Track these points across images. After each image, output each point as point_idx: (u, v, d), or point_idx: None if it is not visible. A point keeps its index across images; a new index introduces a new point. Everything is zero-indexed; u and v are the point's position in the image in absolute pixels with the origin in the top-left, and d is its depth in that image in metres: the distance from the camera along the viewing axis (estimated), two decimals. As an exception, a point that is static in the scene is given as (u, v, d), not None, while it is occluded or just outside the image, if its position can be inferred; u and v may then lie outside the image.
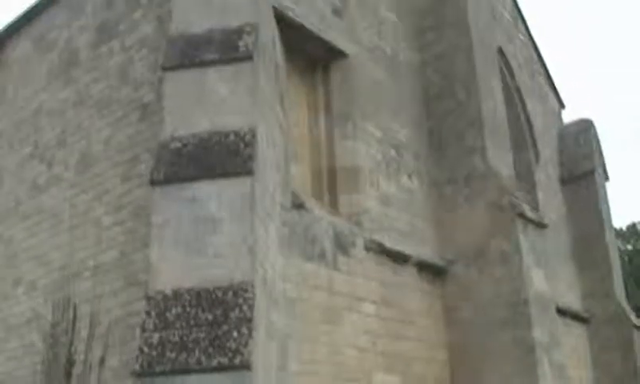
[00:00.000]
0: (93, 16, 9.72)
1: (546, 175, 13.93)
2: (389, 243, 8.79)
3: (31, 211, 9.82)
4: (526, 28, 14.93)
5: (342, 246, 8.15)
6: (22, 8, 11.09)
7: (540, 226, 9.98)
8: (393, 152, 9.54)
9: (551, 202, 13.73)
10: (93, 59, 9.47)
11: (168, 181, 6.71)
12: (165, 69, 7.19)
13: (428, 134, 10.29)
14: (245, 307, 6.14)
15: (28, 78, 10.71)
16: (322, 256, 7.82)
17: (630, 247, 30.34)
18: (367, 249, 8.49)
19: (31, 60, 10.78)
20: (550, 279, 9.81)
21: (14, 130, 10.70)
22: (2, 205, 10.49)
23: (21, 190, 10.16)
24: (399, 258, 8.96)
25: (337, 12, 9.18)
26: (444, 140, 10.16)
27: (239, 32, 7.04)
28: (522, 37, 14.70)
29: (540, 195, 13.18)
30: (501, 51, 12.63)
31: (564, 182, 14.58)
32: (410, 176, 9.79)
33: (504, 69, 12.82)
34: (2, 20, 11.13)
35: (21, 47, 11.12)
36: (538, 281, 9.40)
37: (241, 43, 6.97)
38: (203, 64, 7.00)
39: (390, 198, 9.26)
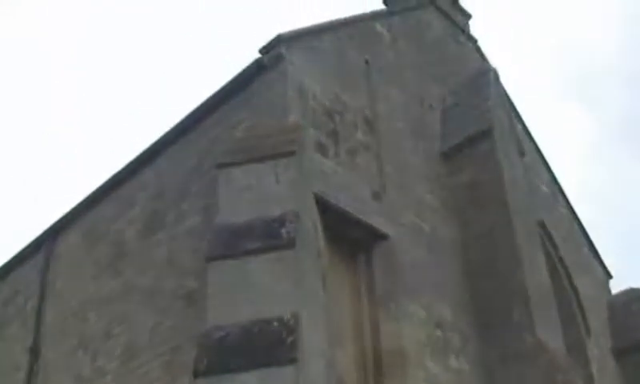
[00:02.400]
0: (142, 208, 10.10)
1: (599, 348, 13.46)
2: (439, 429, 8.46)
3: (74, 405, 9.77)
4: (565, 199, 14.99)
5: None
6: (73, 202, 11.58)
7: (598, 404, 9.55)
8: (438, 332, 9.37)
9: (606, 375, 13.18)
10: (140, 250, 9.74)
11: (211, 371, 6.66)
12: (209, 259, 7.34)
13: (473, 312, 10.10)
14: None
15: (77, 271, 11.01)
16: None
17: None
18: (417, 437, 8.17)
19: (80, 252, 11.13)
20: None
21: (61, 321, 10.86)
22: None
23: (66, 382, 10.15)
24: (451, 445, 8.58)
25: (376, 195, 9.38)
26: (490, 317, 9.96)
27: (281, 220, 7.22)
28: (562, 209, 14.74)
29: (594, 369, 12.67)
30: (542, 224, 12.63)
31: (618, 353, 14.02)
32: (457, 356, 9.54)
33: (546, 242, 12.76)
34: (53, 215, 11.87)
35: (71, 240, 11.52)
36: None
37: (283, 231, 7.13)
38: (246, 253, 7.14)
39: (438, 381, 8.98)
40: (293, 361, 6.45)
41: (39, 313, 11.45)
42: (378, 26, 11.16)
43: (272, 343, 6.55)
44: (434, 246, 10.12)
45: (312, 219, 7.75)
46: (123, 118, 45.06)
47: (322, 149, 8.81)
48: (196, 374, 6.69)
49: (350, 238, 8.99)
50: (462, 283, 10.25)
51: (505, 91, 12.95)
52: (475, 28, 14.28)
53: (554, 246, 13.22)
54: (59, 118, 44.95)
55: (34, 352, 11.08)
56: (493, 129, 10.97)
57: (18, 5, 44.31)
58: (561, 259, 13.30)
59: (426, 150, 10.99)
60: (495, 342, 9.82)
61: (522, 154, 12.21)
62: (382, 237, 9.14)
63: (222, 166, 8.03)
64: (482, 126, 11.03)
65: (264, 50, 9.08)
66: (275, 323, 6.68)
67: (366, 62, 10.45)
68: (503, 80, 12.51)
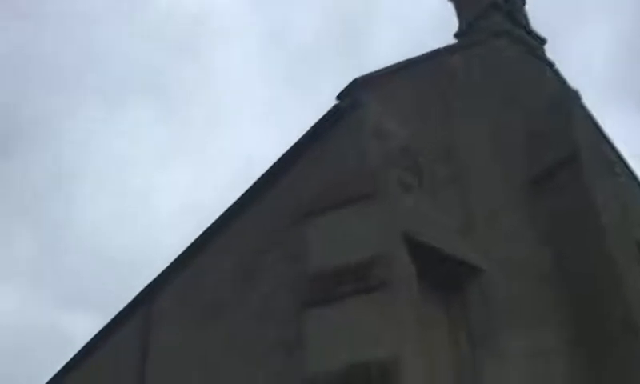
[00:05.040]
0: (234, 262, 10.27)
1: None
2: None
3: None
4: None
5: None
6: (170, 258, 11.90)
7: None
8: (542, 363, 9.07)
9: None
10: (235, 304, 9.88)
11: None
12: (304, 306, 7.42)
13: (578, 340, 9.72)
14: None
15: (175, 328, 11.24)
16: None
17: None
18: None
19: (177, 310, 11.37)
20: None
21: (163, 380, 11.06)
22: None
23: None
24: None
25: (464, 229, 9.26)
26: (596, 346, 9.58)
27: (372, 263, 7.25)
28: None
29: None
30: (640, 245, 12.17)
31: None
32: (565, 387, 9.21)
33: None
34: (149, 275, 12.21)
35: (167, 299, 11.79)
36: None
37: (374, 273, 7.14)
38: (340, 297, 7.18)
39: (546, 414, 8.69)
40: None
41: (141, 373, 11.69)
42: (452, 60, 11.15)
43: (373, 387, 6.53)
44: (529, 276, 9.85)
45: (402, 259, 7.71)
46: (210, 172, 46.23)
47: (406, 188, 8.79)
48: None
49: (442, 273, 8.87)
50: (562, 312, 9.91)
51: (589, 112, 12.66)
52: (551, 52, 14.11)
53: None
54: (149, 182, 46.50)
55: (140, 411, 11.32)
56: (580, 152, 10.70)
57: None
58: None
59: (511, 178, 10.80)
60: (604, 370, 9.43)
61: (613, 173, 11.85)
62: (475, 270, 8.99)
63: (309, 214, 8.15)
64: (568, 150, 10.77)
65: (341, 96, 9.20)
66: (374, 368, 6.67)
67: (443, 96, 10.44)
68: (585, 101, 12.26)
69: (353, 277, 7.17)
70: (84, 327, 36.82)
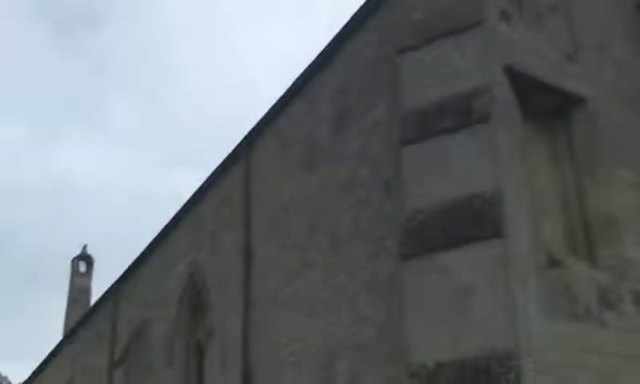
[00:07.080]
0: (329, 105, 10.23)
1: None
2: (660, 294, 8.01)
3: (288, 297, 10.32)
4: None
5: (608, 301, 7.55)
6: (265, 108, 11.97)
7: None
8: (651, 195, 8.76)
9: None
10: (332, 146, 9.92)
11: (417, 253, 6.77)
12: (402, 143, 7.34)
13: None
14: (511, 376, 5.91)
15: (275, 173, 11.45)
16: (587, 315, 7.29)
17: None
18: (636, 303, 7.80)
19: (276, 156, 11.54)
20: None
21: (267, 223, 11.42)
22: (261, 293, 11.16)
23: (277, 277, 10.73)
24: (674, 310, 8.10)
25: (570, 57, 8.78)
26: None
27: (472, 95, 7.03)
28: None
29: None
30: None
31: None
32: (675, 218, 8.91)
33: None
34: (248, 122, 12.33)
35: (266, 145, 11.97)
36: None
37: (475, 106, 6.94)
38: (439, 133, 7.06)
39: (654, 244, 8.46)
40: (498, 235, 6.37)
41: (247, 218, 12.08)
42: None
43: (475, 220, 6.51)
44: (638, 104, 9.37)
45: (504, 90, 7.43)
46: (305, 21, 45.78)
47: (506, 17, 8.33)
48: (402, 257, 6.81)
49: (546, 104, 8.49)
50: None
51: None
52: None
53: None
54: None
55: (247, 254, 11.78)
56: (698, -34, 9.82)
57: None
58: None
59: (620, 4, 10.08)
60: None
61: None
62: (580, 100, 8.57)
63: (404, 49, 7.90)
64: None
65: None
66: (476, 200, 6.60)
67: None
68: None
69: (452, 111, 6.99)
70: (189, 183, 38.50)
